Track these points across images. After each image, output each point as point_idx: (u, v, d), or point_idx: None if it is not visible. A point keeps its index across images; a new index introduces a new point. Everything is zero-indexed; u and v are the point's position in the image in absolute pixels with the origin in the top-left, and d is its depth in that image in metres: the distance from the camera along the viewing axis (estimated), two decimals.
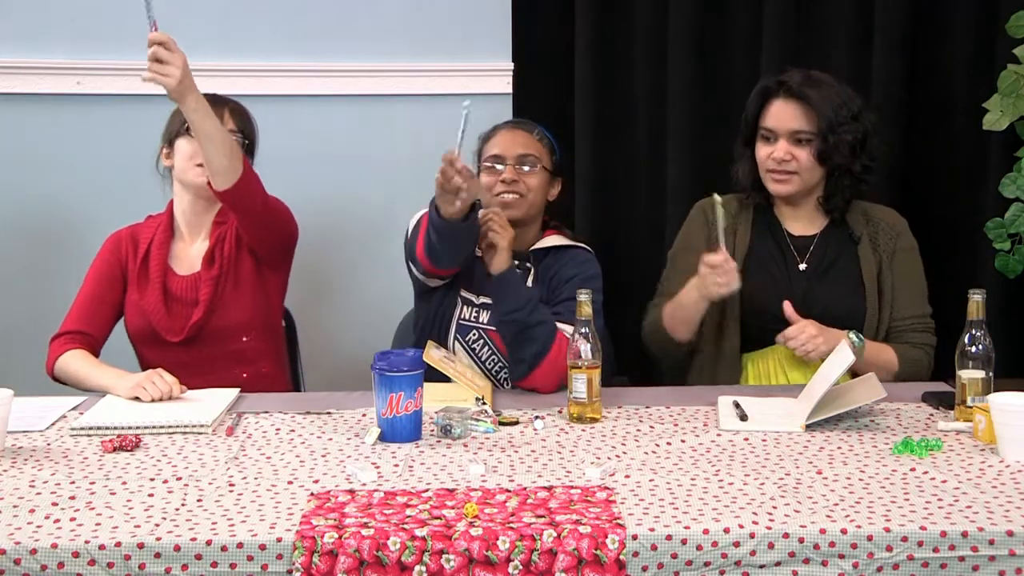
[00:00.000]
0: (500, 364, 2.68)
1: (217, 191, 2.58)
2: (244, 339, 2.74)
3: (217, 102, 2.69)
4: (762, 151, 2.73)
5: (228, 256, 2.73)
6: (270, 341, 2.83)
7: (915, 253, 2.80)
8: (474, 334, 2.69)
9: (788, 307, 2.60)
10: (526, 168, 2.70)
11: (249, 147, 2.77)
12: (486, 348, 2.69)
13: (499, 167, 2.70)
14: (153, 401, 2.43)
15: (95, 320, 2.70)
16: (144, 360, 2.74)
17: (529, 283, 2.67)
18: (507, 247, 2.59)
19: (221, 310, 2.71)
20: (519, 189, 2.68)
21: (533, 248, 2.71)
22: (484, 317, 2.69)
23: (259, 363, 2.76)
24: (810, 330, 2.55)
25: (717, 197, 2.59)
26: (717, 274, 2.53)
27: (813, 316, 2.65)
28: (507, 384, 2.67)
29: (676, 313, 2.69)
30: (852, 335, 2.40)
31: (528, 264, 2.70)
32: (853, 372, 2.50)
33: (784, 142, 2.70)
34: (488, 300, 2.67)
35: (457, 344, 2.69)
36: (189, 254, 2.77)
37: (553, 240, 2.73)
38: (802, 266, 2.74)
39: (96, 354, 2.67)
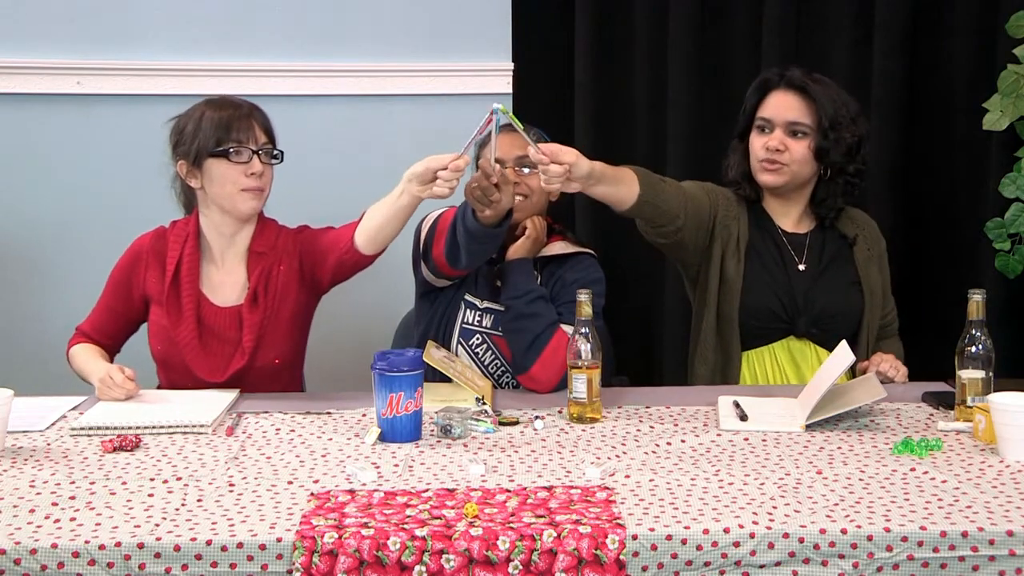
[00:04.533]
0: (503, 369, 2.68)
1: (363, 254, 2.56)
2: (276, 362, 2.63)
3: (240, 111, 2.58)
4: (756, 142, 2.71)
5: (273, 295, 2.61)
6: (296, 365, 2.74)
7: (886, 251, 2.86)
8: (477, 338, 2.69)
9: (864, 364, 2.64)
10: (526, 170, 2.69)
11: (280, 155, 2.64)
12: (489, 352, 2.69)
13: None
14: (128, 399, 2.44)
15: (108, 331, 2.67)
16: (166, 379, 2.65)
17: None
18: (533, 239, 2.66)
19: (262, 351, 2.60)
20: (521, 191, 2.67)
21: (538, 256, 2.70)
22: (488, 321, 2.68)
23: (278, 385, 2.66)
24: (891, 357, 2.63)
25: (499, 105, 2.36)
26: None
27: (812, 316, 2.65)
28: (509, 388, 2.67)
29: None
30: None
31: (535, 272, 2.69)
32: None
33: (779, 132, 2.68)
34: (492, 305, 2.67)
35: (460, 348, 2.69)
36: (224, 282, 2.63)
37: (558, 248, 2.73)
38: (801, 267, 2.73)
39: (110, 358, 2.65)
